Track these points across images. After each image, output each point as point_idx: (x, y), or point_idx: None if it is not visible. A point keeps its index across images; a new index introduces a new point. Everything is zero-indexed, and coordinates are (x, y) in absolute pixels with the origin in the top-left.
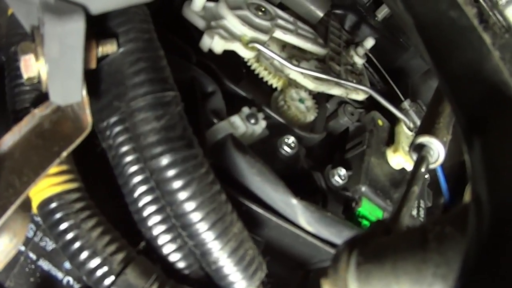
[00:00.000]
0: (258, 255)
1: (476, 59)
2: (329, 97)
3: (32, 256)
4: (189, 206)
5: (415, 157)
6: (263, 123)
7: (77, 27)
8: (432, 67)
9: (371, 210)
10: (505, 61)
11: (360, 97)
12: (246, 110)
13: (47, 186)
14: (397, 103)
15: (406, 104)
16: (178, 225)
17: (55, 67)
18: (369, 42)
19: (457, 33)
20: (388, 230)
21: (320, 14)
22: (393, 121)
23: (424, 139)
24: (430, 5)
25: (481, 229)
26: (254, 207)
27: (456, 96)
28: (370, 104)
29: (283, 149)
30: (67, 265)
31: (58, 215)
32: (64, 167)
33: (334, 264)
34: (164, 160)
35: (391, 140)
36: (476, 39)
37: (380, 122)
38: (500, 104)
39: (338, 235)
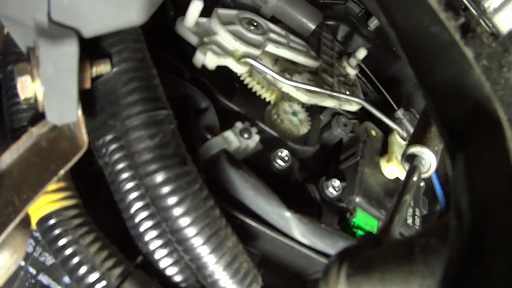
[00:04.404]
0: (253, 267)
1: (457, 74)
2: (323, 109)
3: (32, 271)
4: (184, 221)
5: (407, 167)
6: (256, 138)
7: (70, 50)
8: (416, 81)
9: (366, 220)
10: (492, 70)
11: (354, 108)
12: (239, 125)
13: (45, 203)
14: (390, 112)
15: (399, 113)
16: (174, 240)
17: (50, 88)
18: (361, 53)
19: (439, 48)
20: (378, 241)
21: (312, 26)
22: (387, 130)
23: (415, 149)
24: (412, 21)
25: (461, 235)
26: (249, 221)
27: (439, 111)
28: (363, 115)
29: (277, 163)
30: (66, 279)
31: (57, 231)
32: (62, 184)
33: (324, 276)
34: (159, 178)
35: (384, 150)
36: (457, 54)
37: (373, 133)
38: (481, 118)
39: (332, 246)
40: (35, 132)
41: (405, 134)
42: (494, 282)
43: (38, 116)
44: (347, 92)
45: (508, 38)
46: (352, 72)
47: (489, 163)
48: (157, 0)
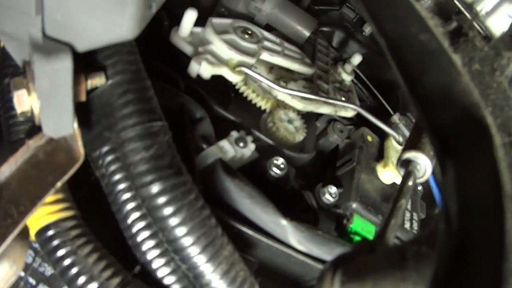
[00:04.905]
0: (250, 276)
1: (446, 82)
2: (319, 115)
3: (32, 281)
4: (180, 231)
5: (402, 172)
6: (252, 146)
7: (65, 65)
8: (405, 89)
9: (363, 226)
10: (484, 74)
11: (349, 114)
12: (234, 134)
13: (44, 214)
14: (387, 117)
15: (395, 118)
16: (171, 250)
17: (46, 102)
18: (356, 59)
19: (427, 56)
20: (372, 248)
21: (307, 33)
22: (384, 135)
23: (410, 155)
24: (401, 29)
25: (450, 239)
26: (245, 229)
27: (428, 118)
28: (359, 120)
29: (273, 171)
30: None
31: (55, 242)
32: (59, 196)
33: (319, 284)
34: (154, 188)
35: (381, 155)
36: (446, 62)
37: (369, 138)
38: (470, 126)
39: (329, 252)
40: (32, 144)
41: (401, 139)
42: (480, 283)
43: (35, 129)
44: (343, 98)
45: (500, 41)
46: (347, 78)
47: (477, 170)
48: (148, 15)
